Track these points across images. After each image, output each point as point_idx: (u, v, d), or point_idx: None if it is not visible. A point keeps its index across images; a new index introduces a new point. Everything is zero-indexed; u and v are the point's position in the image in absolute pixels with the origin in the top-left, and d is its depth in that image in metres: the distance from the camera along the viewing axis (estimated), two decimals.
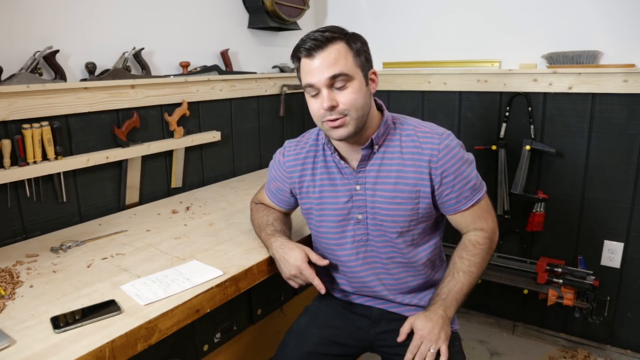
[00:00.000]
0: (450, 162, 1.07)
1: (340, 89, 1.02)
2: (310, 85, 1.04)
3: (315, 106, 1.05)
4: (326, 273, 1.22)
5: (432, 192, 1.09)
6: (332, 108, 1.02)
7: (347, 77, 1.02)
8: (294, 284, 1.12)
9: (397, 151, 1.10)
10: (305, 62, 1.04)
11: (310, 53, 1.02)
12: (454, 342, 1.15)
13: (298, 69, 1.08)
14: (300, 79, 1.09)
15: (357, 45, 1.05)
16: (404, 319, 1.15)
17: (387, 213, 1.10)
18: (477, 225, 1.14)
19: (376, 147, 1.10)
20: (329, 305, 1.25)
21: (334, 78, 1.01)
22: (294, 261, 1.08)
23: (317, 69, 1.01)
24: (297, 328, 1.21)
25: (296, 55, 1.06)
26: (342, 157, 1.13)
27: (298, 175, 1.20)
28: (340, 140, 1.08)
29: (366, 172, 1.11)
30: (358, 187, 1.12)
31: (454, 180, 1.08)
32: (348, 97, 1.02)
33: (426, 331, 1.05)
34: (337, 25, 1.07)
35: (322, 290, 1.08)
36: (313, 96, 1.05)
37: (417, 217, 1.10)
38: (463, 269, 1.11)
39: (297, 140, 1.25)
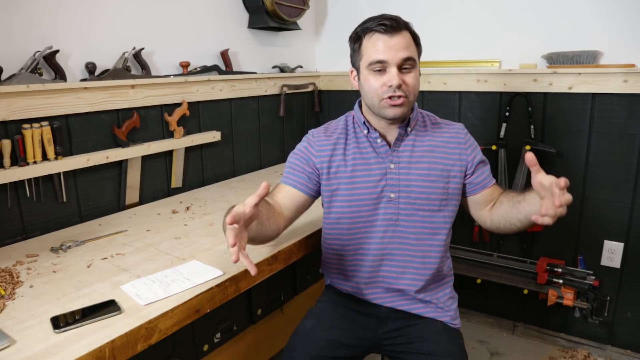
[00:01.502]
0: (475, 144, 1.22)
1: (406, 72, 1.11)
2: (380, 62, 1.10)
3: (378, 83, 1.11)
4: (344, 264, 1.23)
5: (465, 172, 1.18)
6: (399, 86, 1.09)
7: (413, 63, 1.12)
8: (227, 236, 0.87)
9: (428, 134, 1.20)
10: (378, 37, 1.10)
11: (388, 30, 1.09)
12: (457, 340, 1.16)
13: (359, 45, 1.15)
14: (360, 56, 1.14)
15: (419, 39, 1.16)
16: (410, 317, 1.18)
17: (421, 191, 1.16)
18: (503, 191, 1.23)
19: (409, 128, 1.18)
20: (334, 307, 1.24)
21: (406, 60, 1.10)
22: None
23: (394, 47, 1.09)
24: (303, 332, 1.19)
25: (367, 31, 1.13)
26: (379, 135, 1.19)
27: (329, 155, 1.20)
28: (392, 120, 1.14)
29: (400, 151, 1.18)
30: (392, 166, 1.17)
31: (482, 158, 1.22)
32: (412, 80, 1.11)
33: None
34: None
35: (253, 271, 0.85)
36: (376, 73, 1.11)
37: (447, 197, 1.18)
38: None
39: (324, 127, 1.28)
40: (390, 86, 1.08)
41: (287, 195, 1.20)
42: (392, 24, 1.09)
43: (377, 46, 1.10)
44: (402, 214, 1.17)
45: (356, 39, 1.16)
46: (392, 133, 1.18)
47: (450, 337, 1.16)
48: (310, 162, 1.22)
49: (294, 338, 1.18)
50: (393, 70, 1.09)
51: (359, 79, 1.18)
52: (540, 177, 0.91)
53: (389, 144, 1.19)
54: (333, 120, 1.29)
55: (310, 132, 1.28)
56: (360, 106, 1.23)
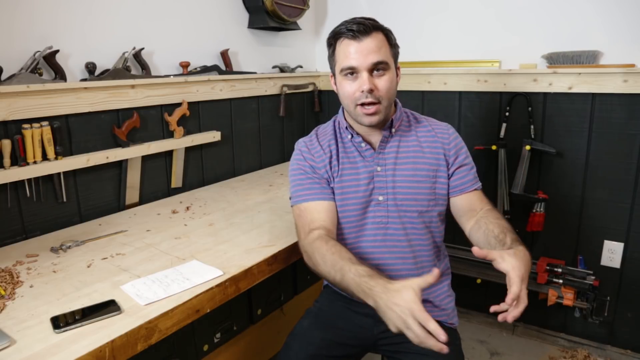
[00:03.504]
0: (459, 145, 1.20)
1: (378, 75, 1.09)
2: (351, 68, 1.08)
3: (351, 88, 1.10)
4: None
5: (448, 170, 1.18)
6: (371, 91, 1.07)
7: (386, 66, 1.09)
8: (412, 335, 0.83)
9: (412, 135, 1.20)
10: (348, 43, 1.09)
11: (356, 36, 1.07)
12: (454, 341, 1.16)
13: (333, 51, 1.14)
14: (334, 61, 1.14)
15: (392, 38, 1.14)
16: None
17: (407, 192, 1.15)
18: (486, 206, 1.18)
19: (393, 129, 1.17)
20: (331, 306, 1.25)
21: (377, 64, 1.07)
22: (404, 303, 0.85)
23: (363, 52, 1.07)
24: (300, 330, 1.20)
25: (337, 37, 1.11)
26: (363, 140, 1.18)
27: (327, 160, 1.19)
28: (369, 126, 1.14)
29: (386, 153, 1.17)
30: (379, 168, 1.16)
31: (464, 161, 1.19)
32: (385, 84, 1.09)
33: (523, 270, 0.95)
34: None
35: (444, 350, 0.82)
36: (349, 78, 1.10)
37: (434, 197, 1.17)
38: (508, 227, 1.11)
39: (313, 135, 1.25)
40: (362, 91, 1.07)
41: (322, 211, 1.13)
42: (359, 28, 1.07)
43: (347, 52, 1.08)
44: (391, 216, 1.16)
45: (329, 45, 1.15)
46: (376, 136, 1.18)
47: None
48: (316, 171, 1.19)
49: (291, 337, 1.19)
50: (364, 75, 1.07)
51: (335, 83, 1.18)
52: (497, 266, 0.94)
53: (373, 146, 1.18)
54: (321, 125, 1.28)
55: (301, 144, 1.24)
56: (343, 110, 1.22)
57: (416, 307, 0.82)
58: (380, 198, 1.16)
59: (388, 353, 1.21)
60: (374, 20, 1.11)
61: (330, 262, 1.00)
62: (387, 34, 1.12)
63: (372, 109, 1.09)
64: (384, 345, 1.20)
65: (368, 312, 1.20)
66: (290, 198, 1.20)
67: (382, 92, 1.09)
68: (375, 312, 1.19)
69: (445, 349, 0.80)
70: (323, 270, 1.02)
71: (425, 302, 1.18)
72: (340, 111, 1.24)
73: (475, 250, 0.93)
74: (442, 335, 0.79)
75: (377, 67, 1.08)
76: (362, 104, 1.09)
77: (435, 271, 0.86)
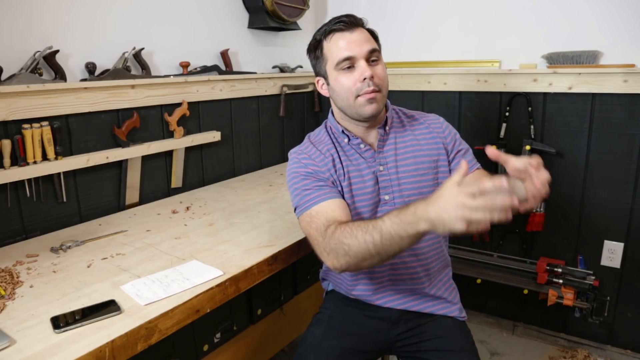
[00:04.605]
0: (453, 132, 1.23)
1: (374, 64, 1.10)
2: (348, 59, 1.08)
3: (350, 80, 1.09)
4: (349, 273, 1.18)
5: (448, 157, 1.19)
6: (372, 78, 1.07)
7: (379, 55, 1.12)
8: (482, 225, 0.76)
9: (407, 130, 1.21)
10: (339, 36, 1.10)
11: (348, 27, 1.09)
12: (468, 335, 1.17)
13: (321, 50, 1.14)
14: (325, 60, 1.13)
15: (376, 35, 1.17)
16: (422, 316, 1.18)
17: (412, 187, 1.15)
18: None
19: (387, 127, 1.17)
20: (342, 313, 1.22)
21: (372, 52, 1.09)
22: (452, 199, 0.78)
23: (357, 41, 1.08)
24: (313, 340, 1.15)
25: (327, 34, 1.12)
26: (362, 141, 1.17)
27: (331, 165, 1.14)
28: (369, 118, 1.12)
29: (385, 152, 1.17)
30: (381, 168, 1.16)
31: (461, 145, 1.22)
32: (382, 72, 1.11)
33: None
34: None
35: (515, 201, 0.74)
36: (346, 71, 1.09)
37: (438, 187, 1.15)
38: None
39: (303, 145, 1.21)
40: (364, 79, 1.07)
41: (336, 208, 1.05)
42: (350, 20, 1.10)
43: (340, 44, 1.09)
44: None
45: (316, 46, 1.15)
46: (372, 135, 1.17)
47: (462, 332, 1.17)
48: (320, 175, 1.13)
49: (304, 347, 1.14)
50: (362, 64, 1.07)
51: (328, 84, 1.16)
52: (512, 163, 0.87)
53: (372, 146, 1.17)
54: (311, 133, 1.25)
55: (297, 152, 1.19)
56: (334, 115, 1.20)
57: (466, 200, 0.75)
58: (387, 197, 1.15)
59: (406, 354, 1.19)
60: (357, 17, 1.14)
61: (360, 233, 0.91)
62: (372, 31, 1.15)
63: (372, 94, 1.08)
64: (401, 347, 1.18)
65: (383, 315, 1.19)
66: (295, 209, 1.12)
67: (381, 80, 1.09)
68: (390, 315, 1.19)
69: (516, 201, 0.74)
70: (360, 245, 0.90)
71: (436, 298, 1.19)
72: (330, 116, 1.22)
73: (489, 151, 0.89)
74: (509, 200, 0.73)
75: (372, 56, 1.09)
76: (365, 93, 1.08)
77: (463, 163, 0.83)
